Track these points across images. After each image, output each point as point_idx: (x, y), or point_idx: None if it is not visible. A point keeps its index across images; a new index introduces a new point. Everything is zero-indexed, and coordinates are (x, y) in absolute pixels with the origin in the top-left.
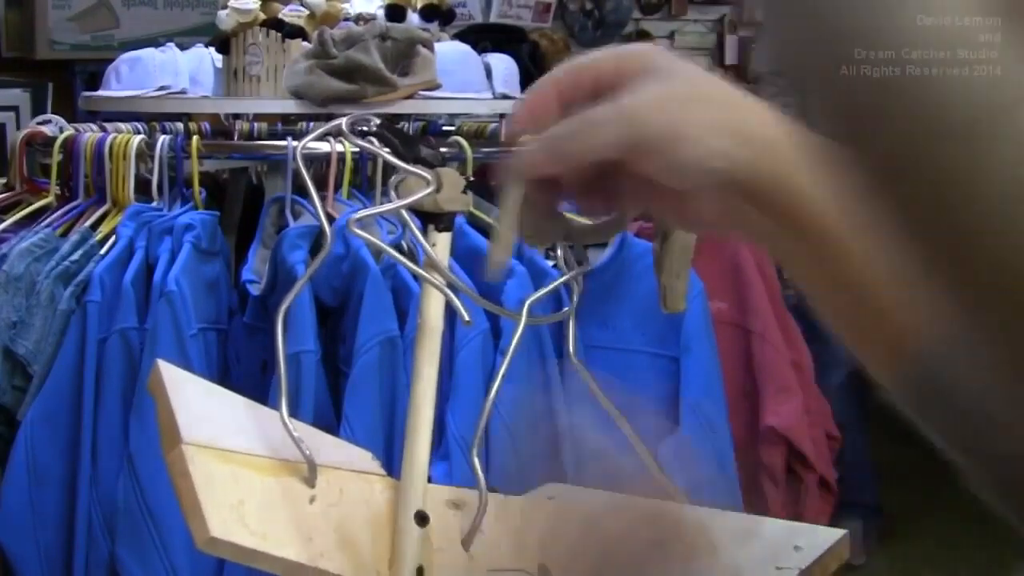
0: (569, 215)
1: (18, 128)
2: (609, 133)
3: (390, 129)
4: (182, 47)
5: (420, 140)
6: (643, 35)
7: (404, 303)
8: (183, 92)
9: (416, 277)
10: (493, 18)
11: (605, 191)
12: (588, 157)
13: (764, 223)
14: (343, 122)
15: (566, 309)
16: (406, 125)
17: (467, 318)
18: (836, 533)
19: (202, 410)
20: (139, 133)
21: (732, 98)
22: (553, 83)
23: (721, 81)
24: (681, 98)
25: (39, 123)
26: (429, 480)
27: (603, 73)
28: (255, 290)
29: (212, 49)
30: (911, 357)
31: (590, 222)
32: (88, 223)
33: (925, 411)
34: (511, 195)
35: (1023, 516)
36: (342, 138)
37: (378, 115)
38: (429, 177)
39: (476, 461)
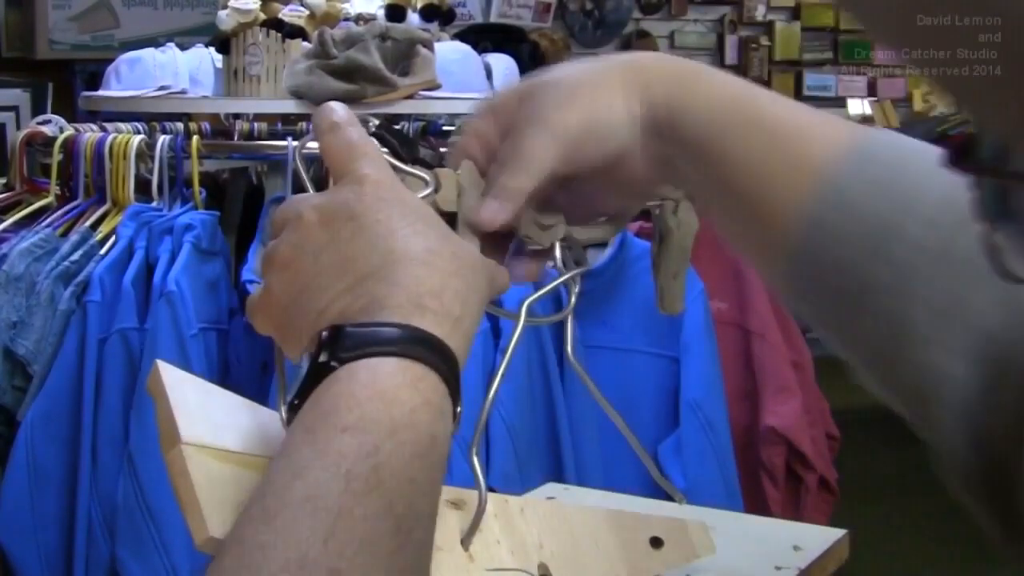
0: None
1: (18, 128)
2: (539, 149)
3: (388, 130)
4: (182, 47)
5: (419, 140)
6: (643, 35)
7: None
8: (183, 92)
9: None
10: (493, 18)
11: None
12: (532, 184)
13: (671, 151)
14: None
15: (564, 310)
16: (406, 125)
17: None
18: (835, 533)
19: (201, 410)
20: (139, 133)
21: (613, 58)
22: (470, 145)
23: (599, 58)
24: (577, 82)
25: (39, 123)
26: None
27: (488, 136)
28: (255, 290)
29: (212, 49)
30: (792, 234)
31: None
32: (88, 223)
33: (807, 294)
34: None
35: (899, 399)
36: None
37: (377, 115)
38: (428, 178)
39: (475, 461)
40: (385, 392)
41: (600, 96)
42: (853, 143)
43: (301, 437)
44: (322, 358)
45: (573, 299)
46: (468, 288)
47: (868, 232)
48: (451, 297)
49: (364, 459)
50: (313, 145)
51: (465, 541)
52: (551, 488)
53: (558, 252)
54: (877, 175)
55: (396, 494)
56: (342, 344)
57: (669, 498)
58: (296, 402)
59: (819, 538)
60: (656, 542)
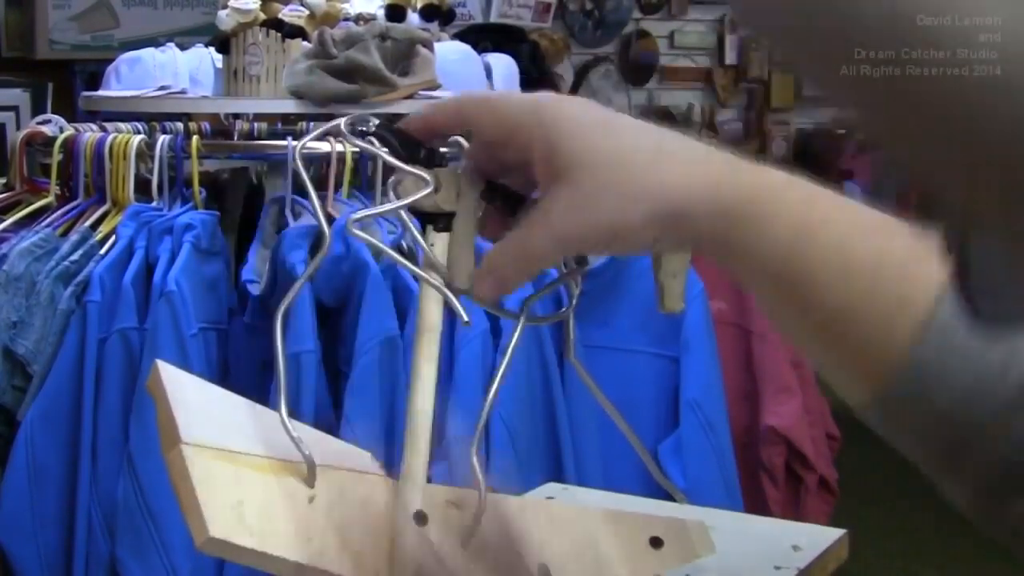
0: None
1: (18, 128)
2: (546, 257)
3: (389, 129)
4: (182, 47)
5: (419, 140)
6: (643, 35)
7: (404, 303)
8: (183, 92)
9: (416, 277)
10: (493, 18)
11: None
12: (529, 275)
13: (735, 268)
14: (341, 122)
15: (564, 309)
16: None
17: (465, 318)
18: (835, 533)
19: (201, 410)
20: (139, 133)
21: (650, 171)
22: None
23: (638, 136)
24: (602, 199)
25: (39, 123)
26: (429, 480)
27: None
28: (255, 290)
29: (212, 49)
30: (886, 375)
31: None
32: (88, 223)
33: (900, 428)
34: (465, 217)
35: (998, 527)
36: (342, 138)
37: (378, 115)
38: (428, 177)
39: (475, 460)
40: None
41: (623, 226)
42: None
43: None
44: None
45: (574, 299)
46: None
47: (980, 379)
48: None
49: None
50: (314, 145)
51: (464, 541)
52: (550, 488)
53: None
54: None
55: None
56: None
57: (669, 497)
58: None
59: (818, 538)
60: (656, 542)
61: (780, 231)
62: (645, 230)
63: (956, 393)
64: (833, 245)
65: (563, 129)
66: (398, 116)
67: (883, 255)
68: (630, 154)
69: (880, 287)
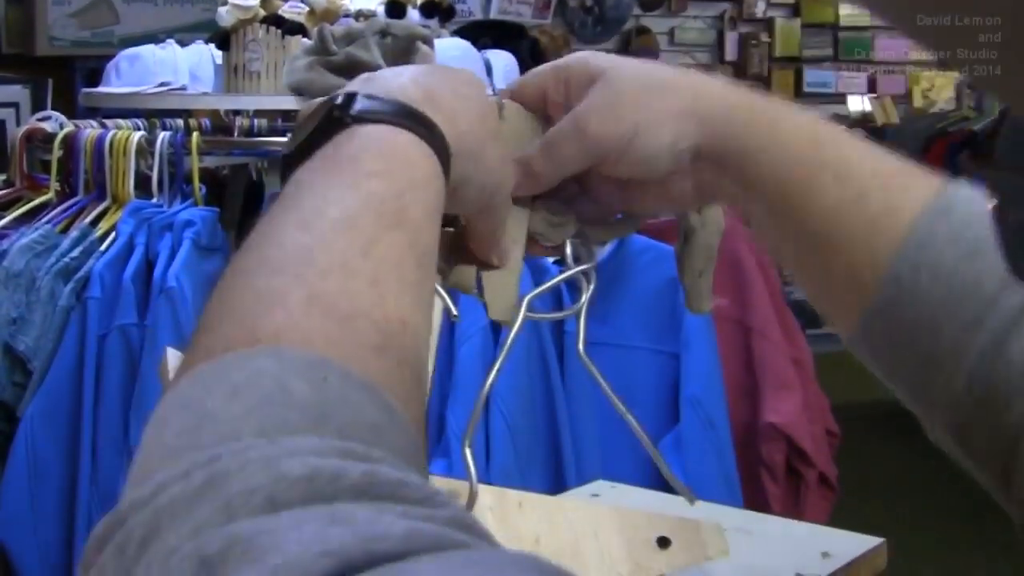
0: None
1: (18, 124)
2: (570, 150)
3: None
4: (182, 43)
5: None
6: (643, 31)
7: None
8: (183, 88)
9: None
10: (493, 14)
11: (590, 196)
12: (558, 175)
13: (733, 187)
14: None
15: (577, 304)
16: None
17: (454, 312)
18: (871, 541)
19: None
20: (139, 129)
21: (680, 79)
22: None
23: (664, 66)
24: (631, 95)
25: (39, 119)
26: None
27: (548, 90)
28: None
29: (212, 45)
30: (870, 288)
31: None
32: (88, 219)
33: (882, 350)
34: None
35: (976, 462)
36: None
37: None
38: None
39: (467, 452)
40: (406, 155)
41: (647, 122)
42: (937, 200)
43: (329, 175)
44: (335, 115)
45: (586, 295)
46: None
47: (954, 295)
48: (462, 112)
49: (392, 199)
50: None
51: None
52: (597, 485)
53: (568, 249)
54: (960, 234)
55: (417, 235)
56: (355, 107)
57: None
58: (297, 153)
59: (853, 546)
60: (663, 542)
61: (792, 132)
62: (665, 125)
63: (928, 306)
64: (836, 152)
65: (599, 56)
66: None
67: (878, 165)
68: (657, 67)
69: (870, 193)
